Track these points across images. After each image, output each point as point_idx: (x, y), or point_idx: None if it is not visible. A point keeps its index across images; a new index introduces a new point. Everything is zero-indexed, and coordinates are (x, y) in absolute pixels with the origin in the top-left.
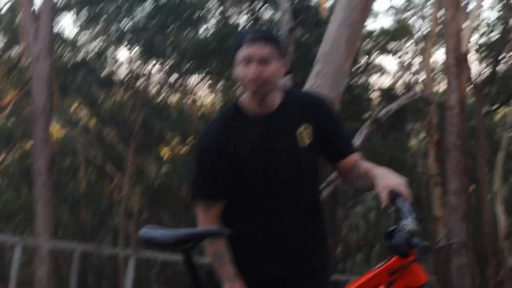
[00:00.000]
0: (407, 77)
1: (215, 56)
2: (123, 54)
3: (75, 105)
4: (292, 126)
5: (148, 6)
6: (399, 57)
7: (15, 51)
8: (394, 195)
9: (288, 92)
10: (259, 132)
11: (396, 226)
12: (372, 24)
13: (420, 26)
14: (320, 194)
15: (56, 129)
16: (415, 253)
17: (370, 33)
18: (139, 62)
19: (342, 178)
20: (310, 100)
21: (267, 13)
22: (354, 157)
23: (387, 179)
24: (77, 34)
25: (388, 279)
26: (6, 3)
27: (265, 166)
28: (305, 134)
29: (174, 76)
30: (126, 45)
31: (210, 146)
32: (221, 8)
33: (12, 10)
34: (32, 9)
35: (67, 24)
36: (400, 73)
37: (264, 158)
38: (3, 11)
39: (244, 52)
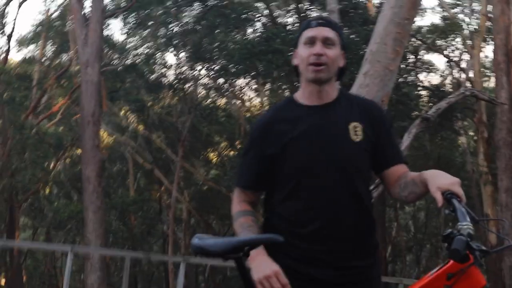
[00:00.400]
0: (456, 74)
1: (262, 58)
2: (171, 58)
3: (124, 110)
4: (346, 120)
5: (195, 8)
6: (448, 53)
7: (64, 58)
8: (449, 196)
9: (344, 92)
10: (312, 120)
11: (452, 230)
12: (420, 21)
13: (469, 22)
14: (371, 197)
15: (105, 135)
16: (474, 257)
17: (419, 30)
18: (187, 65)
19: (387, 188)
20: (366, 104)
21: (314, 13)
22: (402, 168)
23: (440, 179)
24: (126, 38)
25: (446, 283)
26: (56, 10)
27: (313, 152)
28: (356, 130)
29: (222, 79)
30: (174, 49)
31: (256, 127)
32: (269, 8)
33: (62, 17)
34: (81, 15)
35: (116, 29)
36: (449, 70)
37: (313, 143)
38: (53, 18)
39: (309, 32)
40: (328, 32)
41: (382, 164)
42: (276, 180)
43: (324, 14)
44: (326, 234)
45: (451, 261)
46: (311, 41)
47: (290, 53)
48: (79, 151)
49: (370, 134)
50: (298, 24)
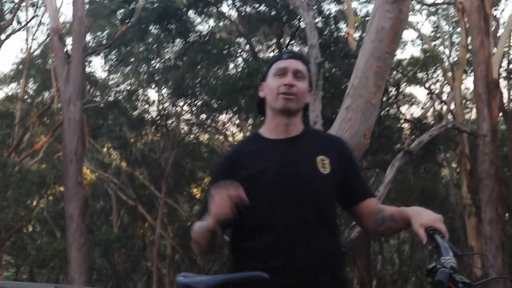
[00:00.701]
0: (437, 106)
1: (245, 93)
2: (153, 94)
3: (106, 147)
4: (313, 153)
5: (177, 45)
6: (429, 86)
7: (46, 95)
8: (431, 232)
9: (308, 127)
10: (279, 153)
11: (435, 263)
12: (401, 54)
13: (449, 54)
14: (339, 230)
15: (88, 172)
16: None
17: (399, 63)
18: (169, 101)
19: (360, 222)
20: (331, 139)
21: (295, 48)
22: (373, 202)
23: (423, 216)
24: (108, 75)
25: None
26: (37, 48)
27: (282, 185)
28: (324, 163)
29: (204, 114)
30: (156, 85)
31: (222, 162)
32: (250, 44)
33: (43, 55)
34: (63, 53)
35: (98, 66)
36: (430, 102)
37: (282, 177)
38: (34, 56)
39: (280, 64)
40: (299, 65)
41: (353, 199)
42: (243, 214)
43: (305, 49)
44: (298, 267)
45: None
46: (282, 72)
47: None
48: (62, 188)
49: (337, 168)
50: None
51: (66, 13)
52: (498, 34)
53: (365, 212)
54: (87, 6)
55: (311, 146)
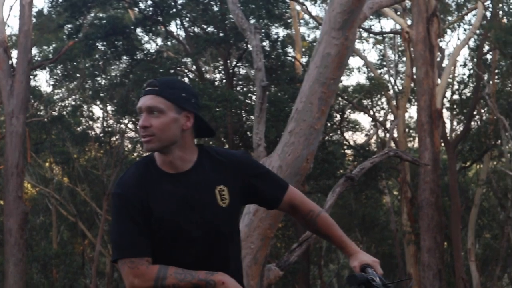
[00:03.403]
0: (381, 133)
1: None
2: (98, 110)
3: (49, 162)
4: (211, 185)
5: (123, 62)
6: (373, 113)
7: None
8: (364, 266)
9: (204, 150)
10: (177, 189)
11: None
12: (347, 81)
13: (394, 82)
14: (241, 262)
15: (29, 187)
16: None
17: (345, 89)
18: (113, 118)
19: (291, 215)
20: (226, 160)
21: (242, 70)
22: (289, 193)
23: (363, 257)
24: (53, 90)
25: None
26: None
27: (182, 222)
28: (223, 194)
29: None
30: (101, 102)
31: (126, 190)
32: (196, 64)
33: None
34: (7, 65)
35: (43, 80)
36: (374, 129)
37: (182, 213)
38: None
39: (138, 103)
40: (151, 100)
41: (272, 201)
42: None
43: (251, 72)
44: None
45: None
46: (140, 112)
47: (217, 109)
48: (1, 202)
49: (237, 195)
50: (225, 80)
51: (13, 26)
52: (443, 65)
53: (289, 206)
54: (34, 20)
55: (208, 177)
